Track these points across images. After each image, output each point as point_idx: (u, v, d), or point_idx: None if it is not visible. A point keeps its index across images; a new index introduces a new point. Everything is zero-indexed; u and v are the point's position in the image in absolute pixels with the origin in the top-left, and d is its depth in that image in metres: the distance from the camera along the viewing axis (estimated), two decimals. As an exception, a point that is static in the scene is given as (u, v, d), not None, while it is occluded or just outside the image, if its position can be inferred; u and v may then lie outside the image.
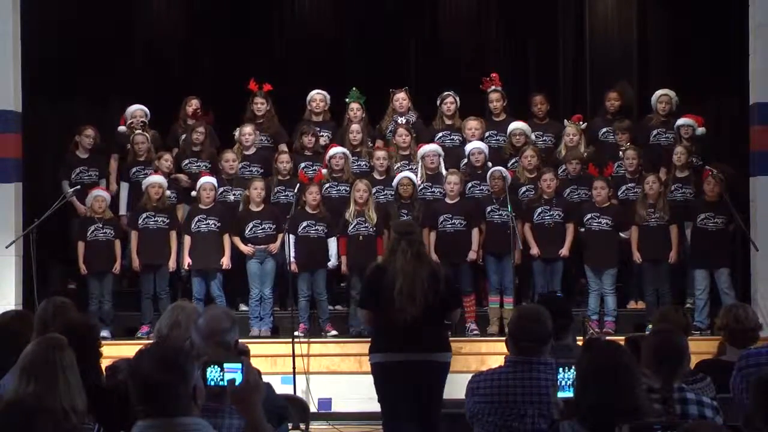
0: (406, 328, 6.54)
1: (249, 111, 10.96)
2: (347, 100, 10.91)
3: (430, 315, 6.60)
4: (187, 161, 10.71)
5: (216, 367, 3.54)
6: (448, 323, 7.11)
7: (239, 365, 3.52)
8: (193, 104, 10.99)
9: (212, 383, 3.52)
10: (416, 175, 10.22)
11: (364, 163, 10.66)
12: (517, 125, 10.63)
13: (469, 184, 10.28)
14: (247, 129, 10.64)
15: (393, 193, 10.14)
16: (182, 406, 3.33)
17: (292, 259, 9.78)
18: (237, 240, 10.01)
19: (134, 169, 10.54)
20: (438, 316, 6.72)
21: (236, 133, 10.75)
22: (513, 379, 4.80)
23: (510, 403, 4.74)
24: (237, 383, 3.49)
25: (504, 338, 5.18)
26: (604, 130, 11.01)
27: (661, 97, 10.86)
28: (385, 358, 6.68)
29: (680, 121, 10.53)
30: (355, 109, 10.85)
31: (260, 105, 10.91)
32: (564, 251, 9.92)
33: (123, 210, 10.51)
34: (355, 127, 10.66)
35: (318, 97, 10.98)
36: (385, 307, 6.63)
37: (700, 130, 10.52)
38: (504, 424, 4.73)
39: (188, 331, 4.38)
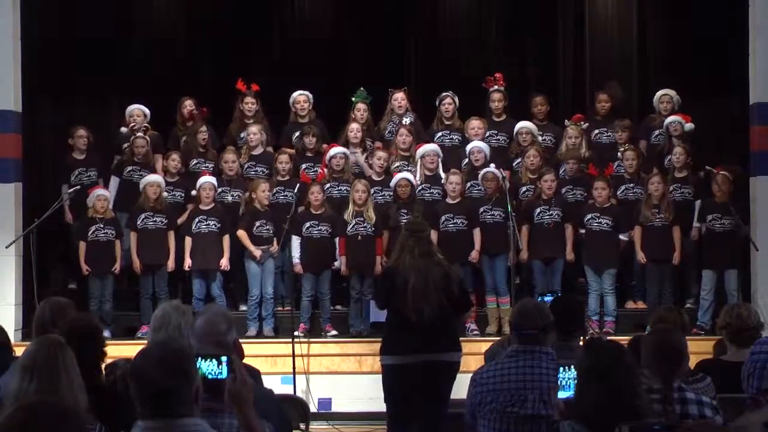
0: (420, 329, 6.54)
1: (237, 111, 10.96)
2: (354, 99, 10.89)
3: (443, 314, 6.62)
4: (195, 161, 10.71)
5: (213, 360, 3.56)
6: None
7: (225, 358, 3.55)
8: (188, 105, 10.98)
9: (210, 376, 3.54)
10: (415, 176, 10.22)
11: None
12: (523, 124, 10.63)
13: (469, 184, 10.27)
14: (254, 128, 10.62)
15: (391, 194, 10.12)
16: (186, 408, 3.31)
17: (296, 260, 9.77)
18: (244, 235, 9.94)
19: (129, 168, 10.52)
20: (451, 315, 6.74)
21: (243, 134, 10.74)
22: (515, 368, 4.86)
23: (511, 390, 4.79)
24: (224, 376, 3.51)
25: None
26: (596, 131, 11.01)
27: (662, 97, 10.86)
28: (400, 361, 6.65)
29: (668, 120, 10.56)
30: (362, 109, 10.83)
31: (251, 105, 10.90)
32: (568, 255, 9.91)
33: (110, 204, 10.47)
34: (354, 126, 10.64)
35: (301, 98, 10.96)
36: (398, 306, 6.64)
37: (689, 125, 10.52)
38: (504, 410, 4.75)
39: (185, 340, 4.38)
